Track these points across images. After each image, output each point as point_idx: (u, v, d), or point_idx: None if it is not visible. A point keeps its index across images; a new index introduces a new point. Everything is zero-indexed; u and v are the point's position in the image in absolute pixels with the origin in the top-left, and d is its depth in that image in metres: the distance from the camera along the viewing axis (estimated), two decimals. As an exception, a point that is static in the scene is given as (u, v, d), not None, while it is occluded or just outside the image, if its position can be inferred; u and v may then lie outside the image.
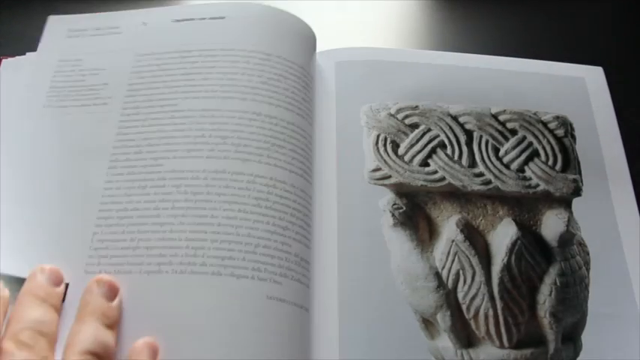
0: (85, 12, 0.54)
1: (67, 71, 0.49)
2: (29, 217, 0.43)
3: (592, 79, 0.53)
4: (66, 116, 0.47)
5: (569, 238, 0.42)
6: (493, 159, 0.44)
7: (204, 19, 0.51)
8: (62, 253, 0.41)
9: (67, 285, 0.39)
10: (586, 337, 0.42)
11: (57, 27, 0.52)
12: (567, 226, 0.42)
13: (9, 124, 0.46)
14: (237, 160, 0.43)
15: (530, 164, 0.44)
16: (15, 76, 0.50)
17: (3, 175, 0.44)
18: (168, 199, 0.42)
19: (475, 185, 0.43)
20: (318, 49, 0.53)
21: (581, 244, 0.44)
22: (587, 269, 0.44)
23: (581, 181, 0.44)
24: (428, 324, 0.43)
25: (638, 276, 0.44)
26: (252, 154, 0.43)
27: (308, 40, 0.52)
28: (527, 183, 0.43)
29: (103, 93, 0.48)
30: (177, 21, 0.51)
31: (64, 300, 0.39)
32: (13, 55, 0.52)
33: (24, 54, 0.52)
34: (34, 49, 0.52)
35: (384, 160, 0.44)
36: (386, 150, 0.44)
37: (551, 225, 0.43)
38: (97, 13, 0.53)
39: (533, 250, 0.42)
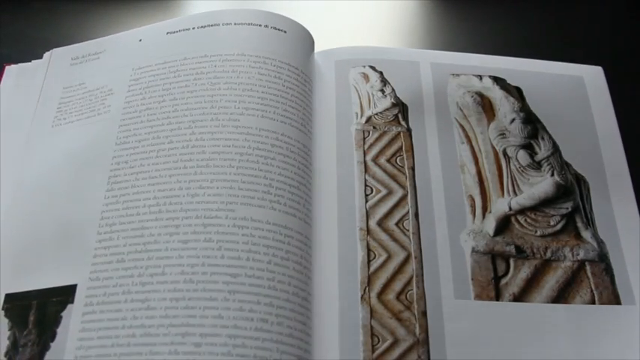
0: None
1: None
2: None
3: (591, 78, 0.53)
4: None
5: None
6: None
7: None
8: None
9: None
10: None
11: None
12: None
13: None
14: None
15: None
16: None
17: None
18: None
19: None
20: (317, 49, 0.53)
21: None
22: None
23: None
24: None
25: (637, 275, 0.44)
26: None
27: (303, 40, 0.52)
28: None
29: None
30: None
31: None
32: (16, 62, 0.54)
33: (29, 61, 0.54)
34: (39, 55, 0.54)
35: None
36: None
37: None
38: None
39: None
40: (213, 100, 0.46)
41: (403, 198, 0.46)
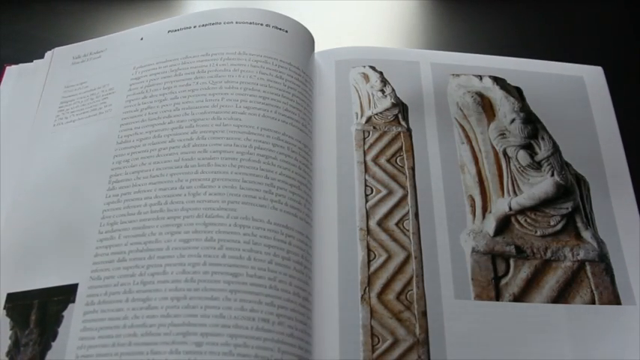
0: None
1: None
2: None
3: (591, 78, 0.53)
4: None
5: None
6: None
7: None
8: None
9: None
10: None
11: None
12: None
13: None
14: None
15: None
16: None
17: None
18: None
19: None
20: (317, 49, 0.53)
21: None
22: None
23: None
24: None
25: (637, 275, 0.44)
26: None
27: (304, 40, 0.52)
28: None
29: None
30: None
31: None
32: (17, 62, 0.54)
33: (31, 60, 0.54)
34: (41, 55, 0.54)
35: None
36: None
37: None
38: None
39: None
40: (214, 98, 0.46)
41: (403, 198, 0.46)
